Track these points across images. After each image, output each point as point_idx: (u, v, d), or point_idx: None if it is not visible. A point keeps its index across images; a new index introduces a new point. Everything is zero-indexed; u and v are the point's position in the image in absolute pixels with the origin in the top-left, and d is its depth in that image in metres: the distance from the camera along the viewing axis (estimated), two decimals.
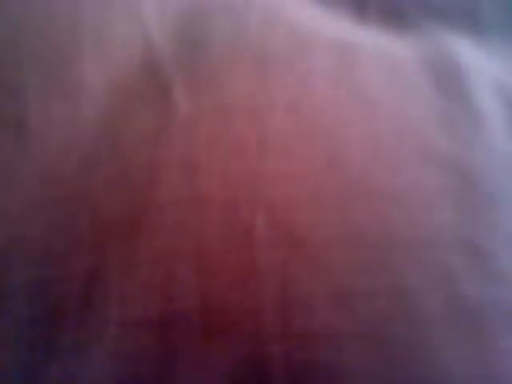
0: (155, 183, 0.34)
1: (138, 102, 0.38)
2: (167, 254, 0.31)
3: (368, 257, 0.31)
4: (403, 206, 0.33)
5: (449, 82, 0.39)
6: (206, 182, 0.34)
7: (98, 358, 0.30)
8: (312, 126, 0.36)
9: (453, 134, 0.36)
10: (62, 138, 0.36)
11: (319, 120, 0.36)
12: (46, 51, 0.41)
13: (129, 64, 0.40)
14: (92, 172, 0.35)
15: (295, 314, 0.29)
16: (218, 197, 0.33)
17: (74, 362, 0.30)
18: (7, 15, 0.42)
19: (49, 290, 0.31)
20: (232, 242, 0.31)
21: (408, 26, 0.44)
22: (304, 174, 0.34)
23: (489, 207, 0.33)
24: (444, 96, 0.38)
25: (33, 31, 0.41)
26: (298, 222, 0.32)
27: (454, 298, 0.30)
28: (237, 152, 0.35)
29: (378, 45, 0.42)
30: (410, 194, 0.33)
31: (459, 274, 0.31)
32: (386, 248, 0.31)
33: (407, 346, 0.29)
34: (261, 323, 0.29)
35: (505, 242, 0.32)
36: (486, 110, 0.38)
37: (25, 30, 0.41)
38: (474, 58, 0.41)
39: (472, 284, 0.31)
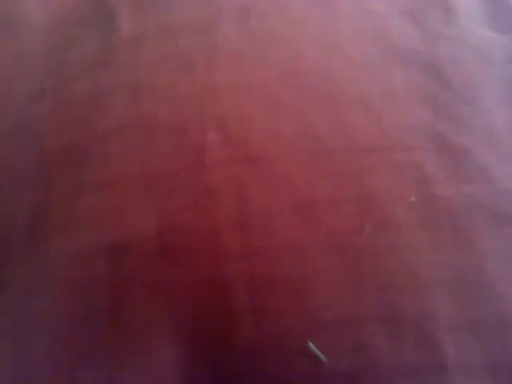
0: (100, 111, 0.32)
1: (81, 27, 0.36)
2: (116, 178, 0.29)
3: (329, 165, 0.28)
4: (367, 108, 0.30)
5: None
6: (152, 105, 0.31)
7: (49, 290, 0.28)
8: (263, 34, 0.33)
9: (421, 27, 0.33)
10: (6, 74, 0.35)
11: (270, 26, 0.33)
12: None
13: None
14: (37, 104, 0.33)
15: (254, 230, 0.27)
16: (165, 119, 0.31)
17: (27, 297, 0.28)
18: None
19: None
20: (182, 164, 0.29)
21: None
22: (256, 84, 0.31)
23: (463, 102, 0.30)
24: None
25: None
26: (253, 136, 0.29)
27: (428, 199, 0.27)
28: (184, 68, 0.32)
29: None
30: (374, 94, 0.30)
31: (432, 174, 0.28)
32: (348, 154, 0.29)
33: (377, 253, 0.26)
34: (218, 242, 0.27)
35: (480, 137, 0.29)
36: None
37: None
38: None
39: (447, 184, 0.28)
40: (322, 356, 0.24)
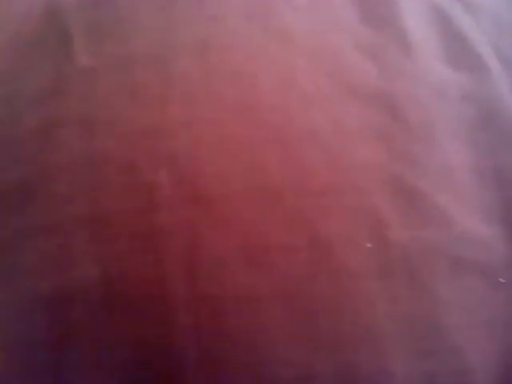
0: (50, 147, 0.30)
1: (37, 55, 0.34)
2: (61, 221, 0.27)
3: (284, 208, 0.27)
4: (321, 148, 0.29)
5: (375, 7, 0.35)
6: (104, 141, 0.29)
7: None
8: (219, 69, 0.32)
9: (378, 64, 0.32)
10: None
11: (227, 61, 0.32)
12: None
13: (29, 13, 0.36)
14: None
15: (205, 278, 0.25)
16: (116, 156, 0.29)
17: None
18: None
19: None
20: (132, 205, 0.27)
21: None
22: (209, 121, 0.30)
23: (419, 141, 0.30)
24: (369, 23, 0.34)
25: None
26: (204, 175, 0.28)
27: (383, 246, 0.26)
28: (138, 103, 0.31)
29: None
30: (329, 133, 0.29)
31: (388, 218, 0.27)
32: (301, 196, 0.27)
33: (333, 303, 0.25)
34: (166, 290, 0.25)
35: (436, 178, 0.29)
36: (417, 35, 0.34)
37: None
38: None
39: (403, 229, 0.27)
40: None
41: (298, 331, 0.25)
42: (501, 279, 0.27)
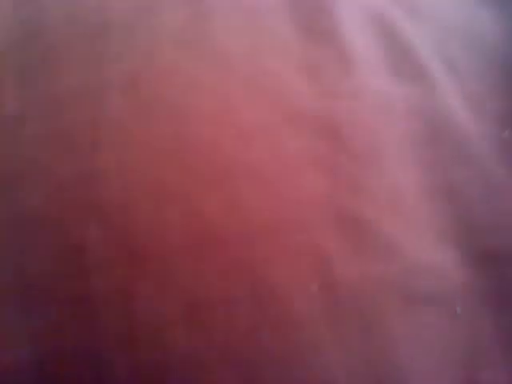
0: None
1: None
2: None
3: (224, 257, 0.25)
4: (261, 185, 0.27)
5: (314, 23, 0.33)
6: (28, 198, 0.28)
7: None
8: (152, 105, 0.30)
9: (318, 83, 0.30)
10: None
11: (159, 96, 0.30)
12: None
13: None
14: None
15: (144, 346, 0.24)
16: (44, 213, 0.27)
17: None
18: None
19: None
20: (62, 269, 0.26)
21: None
22: (143, 165, 0.28)
23: (364, 166, 0.28)
24: (308, 41, 0.32)
25: None
26: (138, 229, 0.26)
27: (330, 286, 0.25)
28: (68, 150, 0.29)
29: None
30: (269, 167, 0.28)
31: (334, 255, 0.26)
32: (244, 242, 0.26)
33: (279, 358, 0.24)
34: (103, 366, 0.24)
35: (384, 204, 0.27)
36: (357, 48, 0.32)
37: None
38: None
39: (350, 265, 0.26)
40: None
41: None
42: (457, 308, 0.25)
